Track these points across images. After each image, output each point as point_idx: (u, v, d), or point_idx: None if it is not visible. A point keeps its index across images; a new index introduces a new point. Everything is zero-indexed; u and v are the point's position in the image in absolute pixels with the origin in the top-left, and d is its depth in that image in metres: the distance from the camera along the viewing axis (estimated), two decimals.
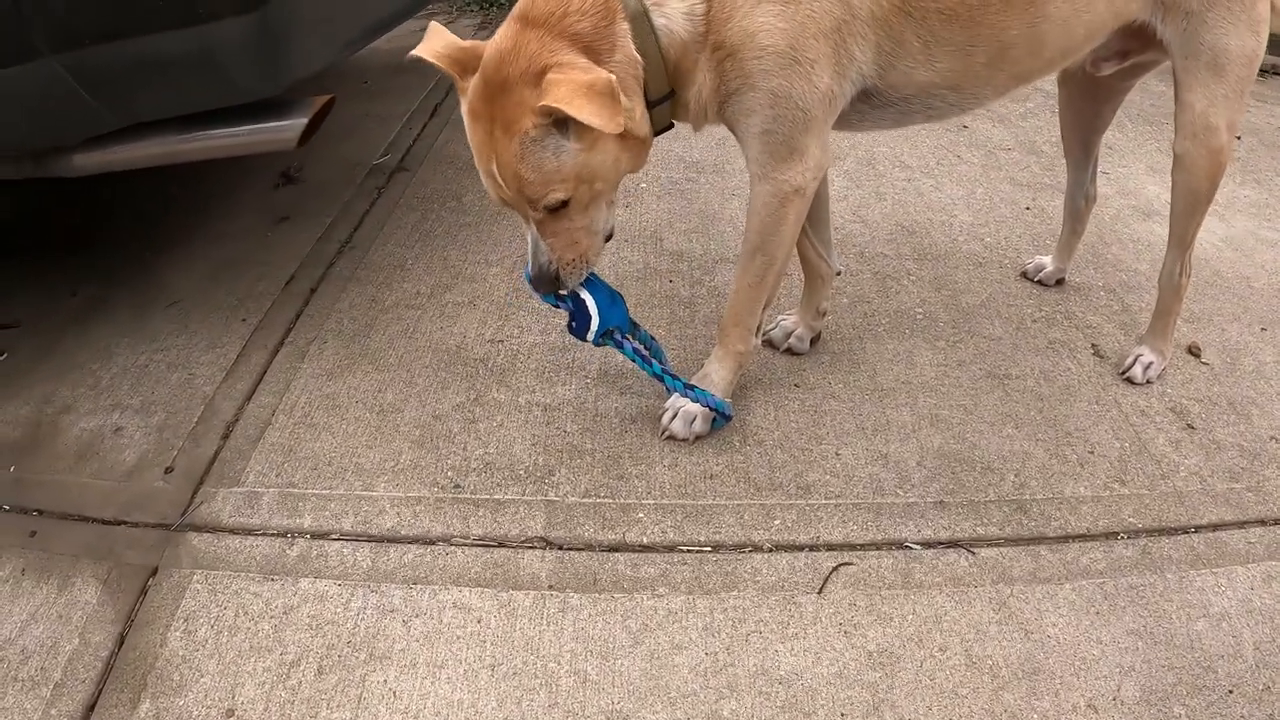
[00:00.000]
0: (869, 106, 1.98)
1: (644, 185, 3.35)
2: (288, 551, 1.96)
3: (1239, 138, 3.72)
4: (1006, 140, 3.69)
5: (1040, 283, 2.79)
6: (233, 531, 2.02)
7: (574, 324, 2.02)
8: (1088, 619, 1.73)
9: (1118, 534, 1.89)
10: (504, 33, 1.73)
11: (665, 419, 2.19)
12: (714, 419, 2.18)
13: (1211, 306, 2.69)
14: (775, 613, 1.79)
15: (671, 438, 2.18)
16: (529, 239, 1.87)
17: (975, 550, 1.89)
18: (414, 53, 1.80)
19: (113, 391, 2.45)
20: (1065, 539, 1.87)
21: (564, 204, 1.77)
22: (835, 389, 2.37)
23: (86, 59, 2.00)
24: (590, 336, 2.02)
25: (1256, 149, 3.79)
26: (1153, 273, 2.71)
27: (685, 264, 2.87)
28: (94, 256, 3.06)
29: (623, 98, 1.64)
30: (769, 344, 2.47)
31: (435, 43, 1.81)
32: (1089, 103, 2.51)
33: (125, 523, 2.07)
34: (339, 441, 2.23)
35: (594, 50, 1.71)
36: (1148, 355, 2.37)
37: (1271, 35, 2.14)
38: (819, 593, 1.83)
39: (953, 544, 1.91)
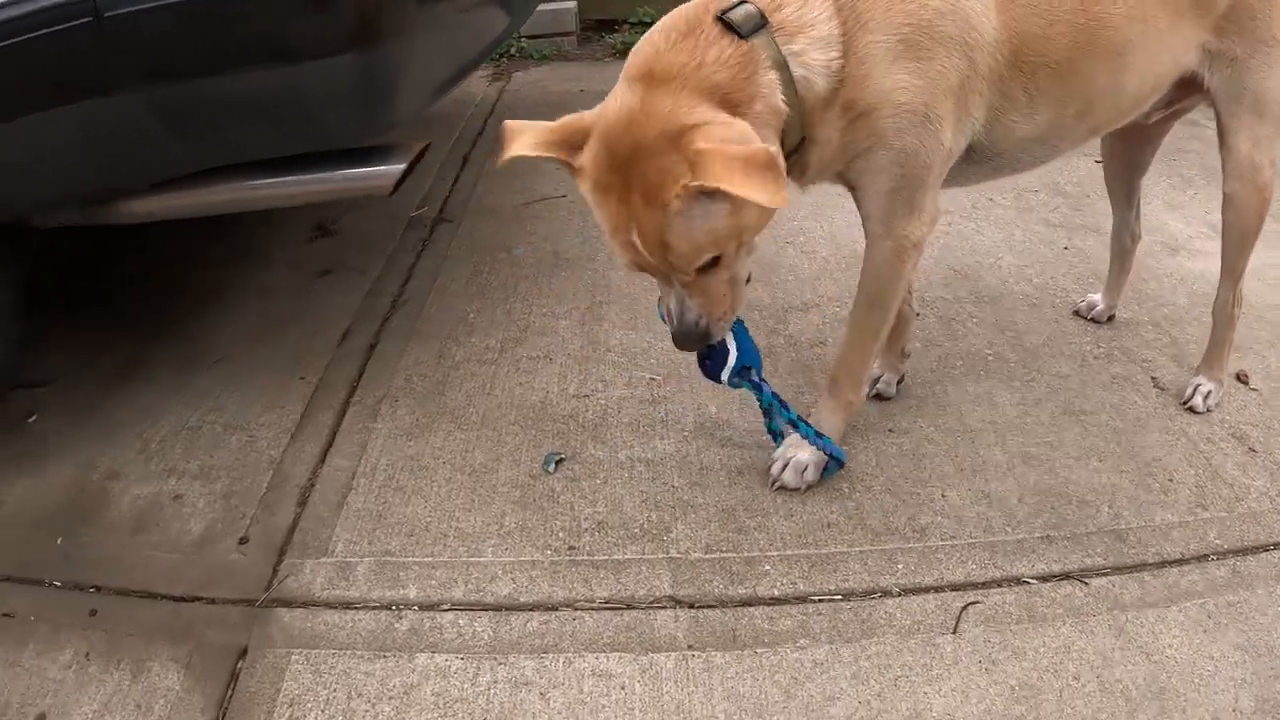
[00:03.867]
0: (968, 162, 1.91)
1: None
2: (396, 625, 1.75)
3: None
4: (1033, 183, 3.63)
5: (1093, 320, 2.75)
6: (329, 605, 1.81)
7: (708, 362, 1.86)
8: (1197, 638, 1.71)
9: (1208, 556, 1.87)
10: (625, 95, 1.55)
11: (775, 470, 2.04)
12: (826, 467, 2.04)
13: (1249, 335, 2.66)
14: (917, 656, 1.69)
15: (783, 488, 2.05)
16: (672, 300, 1.69)
17: (1087, 580, 1.84)
18: (510, 155, 1.60)
19: (164, 455, 2.22)
20: (1163, 564, 1.85)
21: (715, 261, 1.60)
22: (928, 432, 2.26)
23: (174, 94, 1.78)
24: (725, 375, 1.86)
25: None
26: (1190, 305, 2.80)
27: (757, 313, 2.72)
28: (123, 311, 2.82)
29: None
30: None
31: (526, 138, 1.61)
32: (1132, 149, 2.51)
33: (201, 599, 1.85)
34: (433, 505, 2.03)
35: (732, 102, 1.54)
36: (1206, 384, 2.35)
37: None
38: (954, 632, 1.74)
39: (1065, 576, 1.86)
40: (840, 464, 2.05)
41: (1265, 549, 1.91)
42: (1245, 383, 2.49)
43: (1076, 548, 1.91)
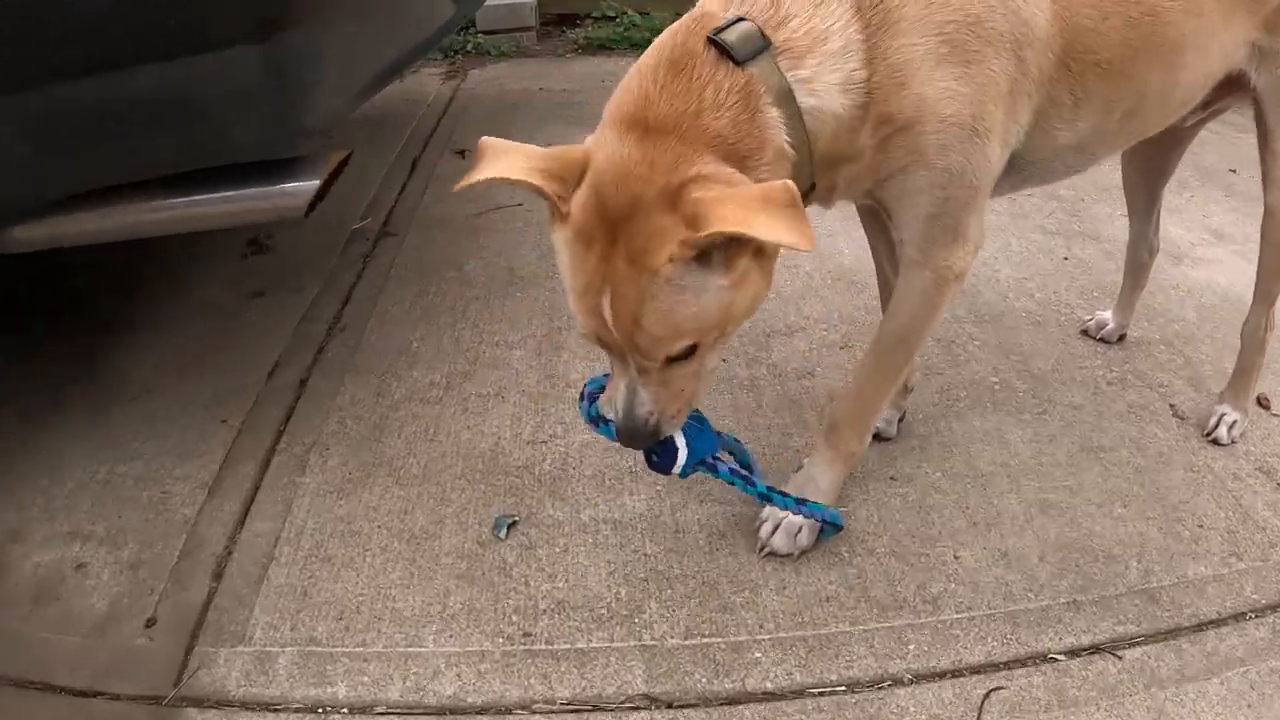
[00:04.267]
0: (1001, 174, 1.65)
1: None
2: None
3: (1234, 170, 3.57)
4: None
5: (1103, 340, 2.53)
6: (246, 706, 1.53)
7: (655, 458, 1.57)
8: (1241, 713, 1.53)
9: (1246, 614, 1.69)
10: (617, 141, 1.29)
11: (764, 532, 1.77)
12: (821, 528, 1.75)
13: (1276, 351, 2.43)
14: None
15: (773, 554, 1.77)
16: (622, 387, 1.42)
17: (1120, 654, 1.63)
18: (486, 177, 1.31)
19: (70, 514, 1.92)
20: (1199, 627, 1.67)
21: (690, 351, 1.34)
22: (934, 479, 2.00)
23: (36, 102, 1.46)
24: (677, 471, 1.57)
25: (1252, 181, 3.56)
26: (1200, 321, 2.62)
27: (736, 339, 2.42)
28: (30, 342, 2.48)
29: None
30: None
31: (511, 161, 1.32)
32: (1158, 153, 2.28)
33: (103, 694, 1.56)
34: (366, 580, 1.74)
35: (739, 153, 1.29)
36: (1230, 413, 2.17)
37: None
38: None
39: (1096, 649, 1.64)
40: (838, 528, 1.77)
41: None
42: (1267, 408, 2.31)
43: (1106, 613, 1.70)
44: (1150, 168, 2.32)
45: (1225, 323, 2.63)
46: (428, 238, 2.96)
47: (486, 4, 5.10)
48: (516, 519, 1.87)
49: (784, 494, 1.68)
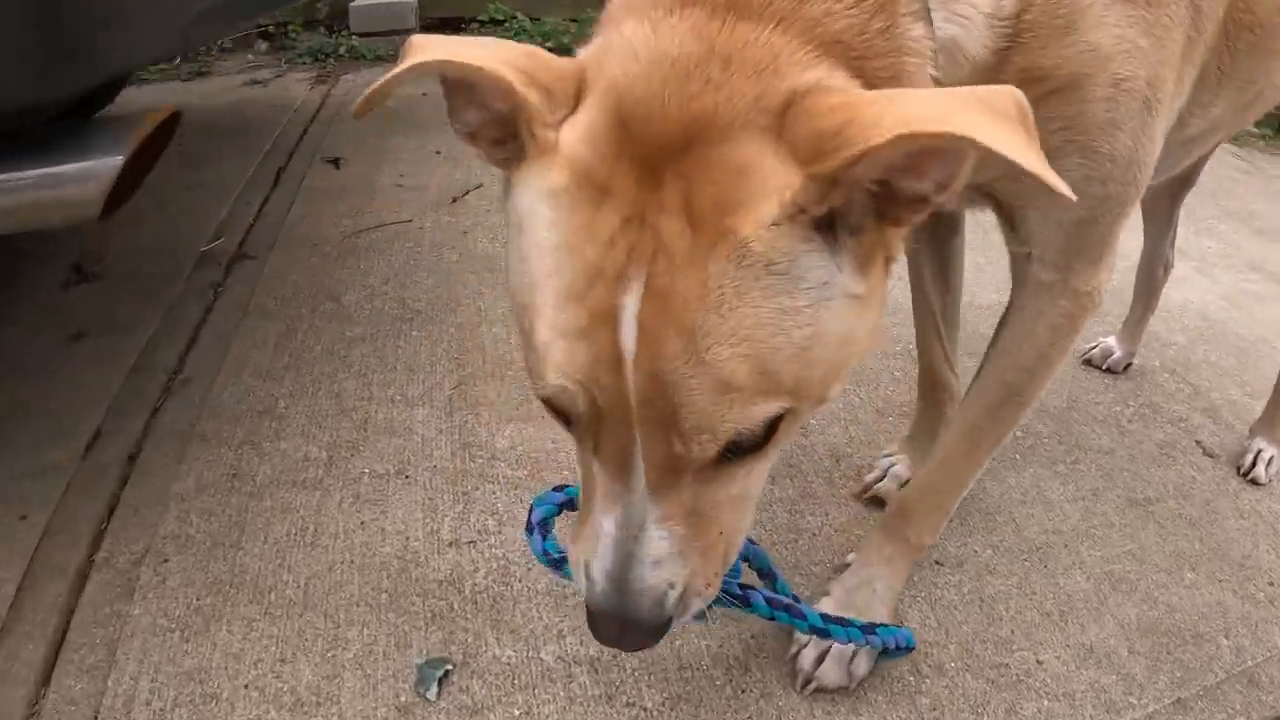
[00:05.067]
0: None
1: None
2: None
3: None
4: None
5: (1109, 370, 2.23)
6: None
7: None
8: None
9: None
10: (659, 31, 0.77)
11: (805, 662, 1.28)
12: (883, 649, 1.28)
13: (1263, 377, 2.22)
14: None
15: (821, 689, 1.27)
16: (611, 528, 0.83)
17: None
18: (420, 61, 0.75)
19: None
20: None
21: (770, 430, 0.79)
22: (986, 558, 1.58)
23: None
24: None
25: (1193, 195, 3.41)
26: (1190, 344, 2.42)
27: None
28: None
29: None
30: (874, 501, 1.65)
31: (457, 49, 0.76)
32: None
33: None
34: None
35: (865, 73, 0.79)
36: (1268, 449, 1.94)
37: None
38: None
39: None
40: (908, 649, 1.29)
41: None
42: None
43: (1212, 706, 1.39)
44: (1178, 173, 1.95)
45: (1213, 346, 2.44)
46: (295, 262, 2.34)
47: (363, 3, 4.55)
48: (450, 665, 1.29)
49: (845, 622, 1.18)
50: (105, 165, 1.03)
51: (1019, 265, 1.15)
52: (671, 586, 0.84)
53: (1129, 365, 2.24)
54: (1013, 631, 1.43)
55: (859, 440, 1.83)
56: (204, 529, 1.49)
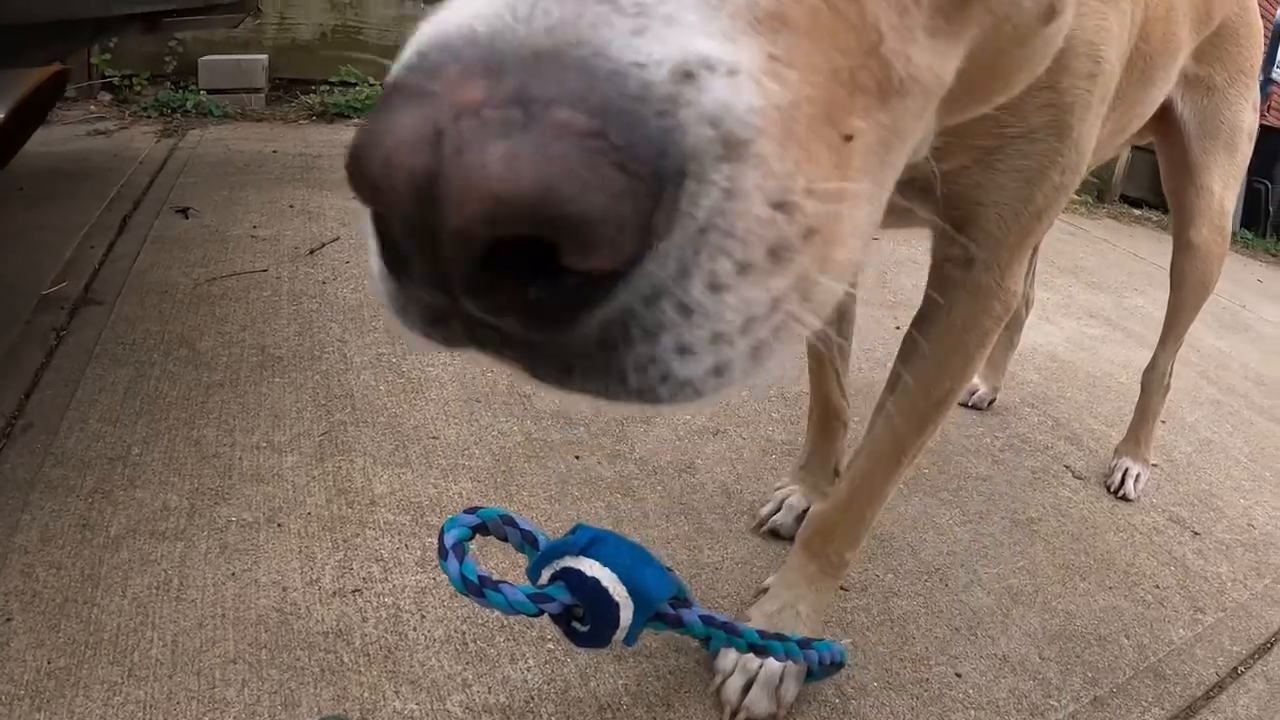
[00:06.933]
0: None
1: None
2: None
3: None
4: None
5: (974, 406, 2.30)
6: None
7: (579, 625, 0.94)
8: None
9: (1237, 670, 1.55)
10: None
11: (731, 691, 1.19)
12: (810, 671, 1.20)
13: (1115, 407, 2.43)
14: None
15: None
16: None
17: None
18: None
19: None
20: (1209, 694, 1.48)
21: None
22: (888, 581, 1.56)
23: None
24: (620, 637, 0.95)
25: None
26: (1044, 381, 2.56)
27: (581, 428, 1.84)
28: None
29: None
30: (772, 534, 1.61)
31: None
32: None
33: None
34: None
35: None
36: (1134, 467, 2.04)
37: None
38: None
39: None
40: (839, 667, 1.21)
41: (1272, 643, 1.62)
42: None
43: (1127, 701, 1.41)
44: None
45: (1065, 382, 2.58)
46: (145, 308, 2.12)
47: (213, 59, 4.34)
48: None
49: (782, 638, 1.10)
50: None
51: (949, 271, 1.07)
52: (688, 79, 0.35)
53: (993, 401, 2.31)
54: (927, 648, 1.39)
55: (746, 476, 1.78)
56: (53, 584, 1.28)
